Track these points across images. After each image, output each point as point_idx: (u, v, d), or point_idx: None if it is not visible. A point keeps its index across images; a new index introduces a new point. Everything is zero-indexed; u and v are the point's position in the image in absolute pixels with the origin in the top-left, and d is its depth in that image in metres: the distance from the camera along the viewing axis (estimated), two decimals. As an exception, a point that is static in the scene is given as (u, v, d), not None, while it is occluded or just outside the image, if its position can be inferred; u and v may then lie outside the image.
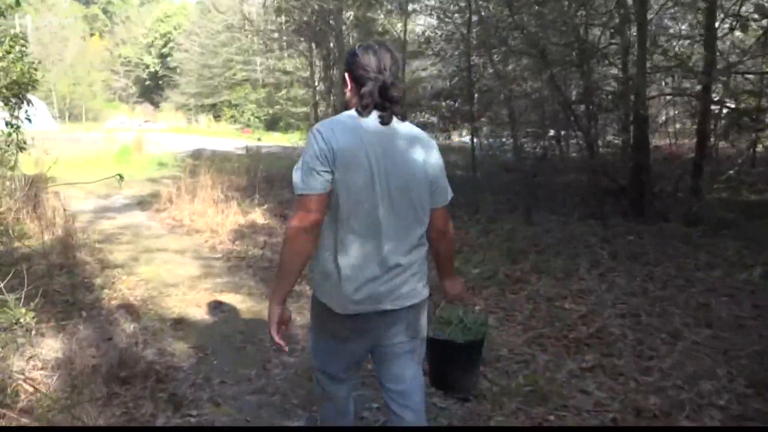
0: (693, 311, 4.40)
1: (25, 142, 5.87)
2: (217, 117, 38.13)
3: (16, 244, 6.18)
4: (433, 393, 3.02)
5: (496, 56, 9.22)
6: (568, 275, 5.31)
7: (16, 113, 5.49)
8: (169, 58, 47.62)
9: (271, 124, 34.09)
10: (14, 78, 5.09)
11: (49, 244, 6.00)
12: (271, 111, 32.44)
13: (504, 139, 9.66)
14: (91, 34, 59.48)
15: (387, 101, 1.90)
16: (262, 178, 10.81)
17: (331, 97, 9.17)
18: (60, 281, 4.92)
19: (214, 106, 38.14)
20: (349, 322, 1.99)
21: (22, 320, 3.57)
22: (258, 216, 7.88)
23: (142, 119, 38.57)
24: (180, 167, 14.05)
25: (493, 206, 8.43)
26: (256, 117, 35.09)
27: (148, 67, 53.90)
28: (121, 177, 4.81)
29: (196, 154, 16.46)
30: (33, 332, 3.76)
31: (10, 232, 6.24)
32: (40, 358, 3.44)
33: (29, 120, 5.94)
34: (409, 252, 1.98)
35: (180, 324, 4.18)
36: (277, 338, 1.97)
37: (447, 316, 2.34)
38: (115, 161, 14.84)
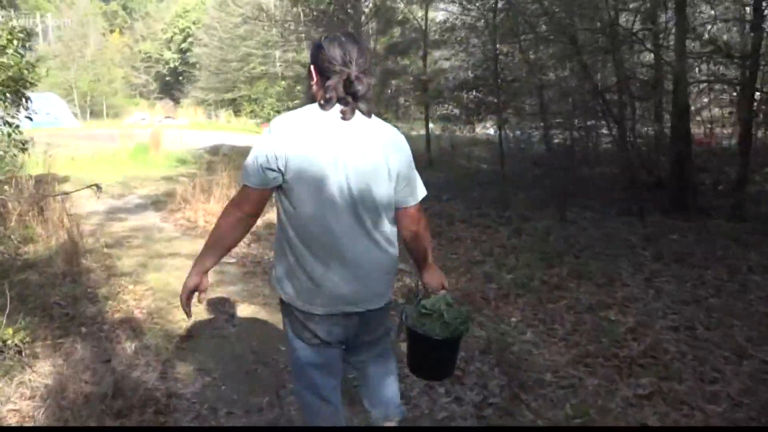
0: (755, 324, 3.94)
1: (25, 143, 5.54)
2: (236, 112, 37.91)
3: (22, 249, 5.91)
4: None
5: (523, 44, 8.72)
6: (610, 280, 4.86)
7: (11, 112, 5.14)
8: (188, 54, 47.51)
9: (291, 118, 33.85)
10: (9, 74, 4.76)
11: (54, 249, 5.71)
12: (290, 105, 32.15)
13: (532, 131, 9.16)
14: (111, 31, 59.77)
15: (350, 96, 1.82)
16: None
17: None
18: (62, 291, 4.60)
19: (233, 101, 37.91)
20: (322, 324, 1.92)
21: (9, 341, 3.23)
22: (275, 216, 7.52)
23: (162, 115, 38.53)
24: (198, 164, 13.78)
25: (524, 203, 7.96)
26: (276, 111, 34.77)
27: (167, 62, 53.94)
28: (99, 187, 4.48)
29: (215, 150, 16.20)
30: (26, 352, 3.44)
31: (13, 237, 5.96)
32: (30, 385, 3.10)
33: (30, 119, 5.62)
34: (375, 253, 1.91)
35: (186, 341, 3.81)
36: (185, 306, 1.95)
37: (430, 306, 2.13)
38: (131, 159, 14.60)
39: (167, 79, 54.96)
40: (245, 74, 34.00)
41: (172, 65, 53.32)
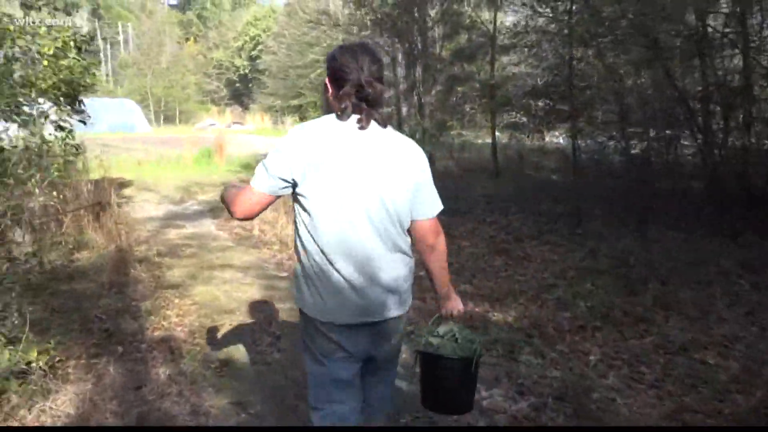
0: None
1: (78, 147, 5.42)
2: (302, 118, 38.22)
3: (76, 255, 5.80)
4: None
5: (600, 48, 8.10)
6: (704, 313, 4.25)
7: (63, 115, 5.01)
8: (257, 61, 48.46)
9: (355, 125, 33.81)
10: (61, 77, 4.63)
11: (106, 256, 5.56)
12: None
13: (607, 141, 8.50)
14: (186, 39, 61.77)
15: (363, 101, 1.82)
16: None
17: (414, 97, 8.35)
18: (105, 303, 4.40)
19: (299, 107, 38.26)
20: (345, 335, 1.89)
21: (34, 364, 2.99)
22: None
23: (230, 121, 39.34)
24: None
25: (598, 219, 7.34)
26: (341, 118, 34.92)
27: (238, 69, 55.23)
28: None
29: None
30: (56, 373, 3.21)
31: (68, 242, 5.86)
32: (50, 413, 2.84)
33: (83, 123, 5.50)
34: (392, 263, 1.89)
35: (225, 368, 3.49)
36: None
37: (443, 332, 2.12)
38: (194, 164, 14.70)
39: (237, 85, 56.29)
40: (312, 81, 34.16)
41: (242, 72, 54.54)
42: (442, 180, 8.31)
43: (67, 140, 5.12)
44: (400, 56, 11.17)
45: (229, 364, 3.54)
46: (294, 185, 1.80)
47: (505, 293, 4.80)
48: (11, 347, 3.14)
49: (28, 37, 4.85)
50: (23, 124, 4.47)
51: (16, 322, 3.65)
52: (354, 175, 1.78)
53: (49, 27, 5.15)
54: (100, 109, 33.63)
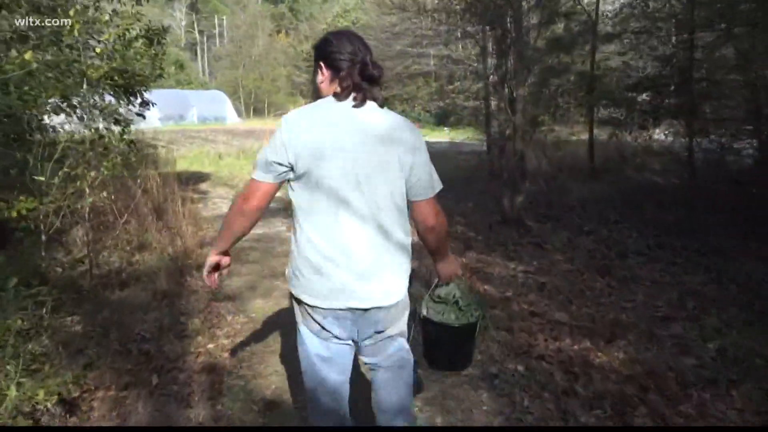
0: None
1: (132, 142, 5.04)
2: (388, 111, 37.90)
3: (136, 257, 5.47)
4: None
5: (727, 33, 6.97)
6: None
7: (118, 107, 4.63)
8: (346, 53, 48.56)
9: (442, 119, 32.91)
10: (114, 66, 4.23)
11: (166, 260, 5.18)
12: (441, 105, 31.33)
13: (733, 141, 7.35)
14: (278, 32, 62.90)
15: (366, 81, 1.87)
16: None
17: (506, 89, 7.54)
18: (152, 318, 3.97)
19: (386, 100, 37.90)
20: (330, 318, 1.93)
21: (41, 405, 2.54)
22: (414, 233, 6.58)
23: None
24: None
25: (720, 233, 6.29)
26: (427, 111, 34.12)
27: (327, 61, 55.59)
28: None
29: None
30: (72, 411, 2.76)
31: (126, 243, 5.54)
32: (55, 470, 2.38)
33: (142, 116, 5.14)
34: (384, 248, 1.90)
35: (271, 411, 2.94)
36: (207, 281, 2.12)
37: (444, 294, 2.18)
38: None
39: (325, 78, 56.68)
40: (399, 74, 33.65)
41: (330, 64, 54.86)
42: (532, 182, 7.46)
43: (125, 135, 4.72)
44: (490, 45, 10.39)
45: (277, 406, 2.98)
46: (291, 169, 1.83)
47: (610, 326, 3.99)
48: (28, 378, 2.73)
49: (88, 24, 4.48)
50: (74, 116, 4.12)
51: (46, 342, 3.28)
52: (347, 158, 1.80)
53: (113, 13, 4.79)
54: (191, 101, 34.67)
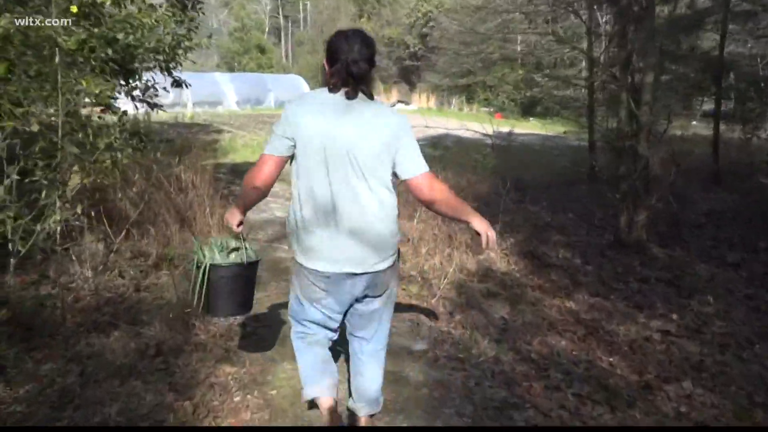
0: None
1: (134, 135, 3.84)
2: (469, 99, 35.88)
3: (150, 279, 4.33)
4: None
5: None
6: None
7: (108, 90, 3.38)
8: (428, 38, 46.71)
9: (528, 109, 30.73)
10: (97, 32, 3.02)
11: (179, 292, 3.98)
12: (528, 93, 29.20)
13: None
14: (360, 17, 61.89)
15: (350, 77, 2.10)
16: (511, 184, 8.03)
17: (628, 77, 5.91)
18: (126, 393, 2.76)
19: (468, 87, 35.94)
20: (322, 282, 2.22)
21: None
22: (497, 256, 5.13)
23: (395, 99, 38.12)
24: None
25: None
26: (511, 100, 31.98)
27: (408, 47, 53.97)
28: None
29: (437, 142, 14.21)
30: None
31: (138, 260, 4.40)
32: None
33: (150, 105, 3.94)
34: (369, 220, 2.15)
35: None
36: (234, 226, 2.30)
37: (217, 245, 2.51)
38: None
39: (405, 63, 55.13)
40: (483, 60, 31.70)
41: (411, 50, 53.23)
42: (650, 190, 5.75)
43: (124, 125, 3.52)
44: (603, 22, 8.70)
45: None
46: (294, 145, 2.14)
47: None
48: None
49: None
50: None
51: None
52: (338, 137, 2.08)
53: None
54: (269, 85, 34.12)
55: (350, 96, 2.10)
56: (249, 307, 2.63)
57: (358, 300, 2.30)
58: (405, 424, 2.72)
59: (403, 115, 2.25)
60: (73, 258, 4.01)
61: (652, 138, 5.85)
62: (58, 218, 3.01)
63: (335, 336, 2.45)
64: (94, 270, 4.12)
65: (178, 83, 4.57)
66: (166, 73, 4.61)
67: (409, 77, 54.01)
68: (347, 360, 2.73)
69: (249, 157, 11.76)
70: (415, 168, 2.16)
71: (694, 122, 13.80)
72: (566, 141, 14.03)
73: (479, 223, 2.24)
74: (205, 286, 2.42)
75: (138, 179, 5.27)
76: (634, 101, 5.74)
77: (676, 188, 8.36)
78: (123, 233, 4.22)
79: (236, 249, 2.48)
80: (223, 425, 2.63)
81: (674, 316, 4.08)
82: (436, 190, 2.19)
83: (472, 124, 18.28)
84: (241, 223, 2.31)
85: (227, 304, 2.52)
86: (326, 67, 2.17)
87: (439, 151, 12.20)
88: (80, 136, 3.09)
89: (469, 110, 32.53)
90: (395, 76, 57.73)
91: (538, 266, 5.04)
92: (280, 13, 64.92)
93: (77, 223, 3.46)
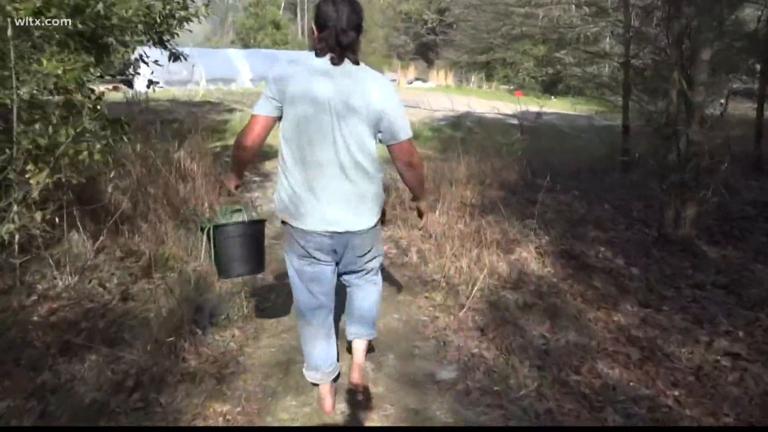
0: None
1: (111, 124, 3.29)
2: (489, 76, 34.87)
3: (140, 285, 3.84)
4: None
5: None
6: None
7: (77, 65, 2.81)
8: (446, 13, 45.53)
9: (549, 87, 29.73)
10: (85, 5, 2.46)
11: (174, 300, 3.47)
12: (550, 71, 28.24)
13: None
14: (377, -9, 60.61)
15: (338, 46, 2.16)
16: (540, 170, 7.43)
17: (680, 53, 5.26)
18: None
19: (487, 64, 34.92)
20: (308, 239, 2.31)
21: None
22: (530, 257, 4.57)
23: (413, 77, 37.22)
24: (435, 140, 11.26)
25: None
26: (532, 77, 30.94)
27: (426, 23, 52.74)
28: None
29: (457, 122, 13.55)
30: None
31: (128, 262, 3.90)
32: None
33: (129, 84, 3.39)
34: (352, 181, 2.25)
35: None
36: (232, 188, 2.49)
37: (220, 213, 2.60)
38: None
39: (424, 39, 53.92)
40: (503, 35, 30.74)
41: (429, 25, 52.03)
42: (701, 181, 5.07)
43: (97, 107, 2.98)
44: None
45: None
46: (281, 104, 2.22)
47: None
48: None
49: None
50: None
51: None
52: (322, 100, 2.15)
53: None
54: (282, 61, 33.52)
55: (336, 62, 2.16)
56: (261, 267, 2.71)
57: (344, 257, 2.42)
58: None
59: (388, 79, 2.33)
60: (51, 263, 3.52)
61: (706, 123, 5.21)
62: (14, 227, 2.50)
63: (332, 293, 2.55)
64: (77, 274, 3.64)
65: (176, 56, 4.03)
66: (160, 46, 4.07)
67: (426, 54, 52.83)
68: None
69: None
70: (401, 134, 2.26)
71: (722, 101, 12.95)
72: (593, 121, 13.29)
73: (425, 206, 2.63)
74: (213, 250, 2.53)
75: (131, 167, 4.76)
76: (686, 80, 5.10)
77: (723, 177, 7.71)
78: (105, 231, 3.71)
79: (238, 210, 2.61)
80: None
81: (741, 334, 3.50)
82: (415, 157, 2.35)
83: (495, 102, 17.53)
84: (238, 186, 2.48)
85: (238, 264, 2.57)
86: (314, 31, 2.21)
87: (460, 133, 11.55)
88: (38, 127, 2.56)
89: (488, 88, 31.61)
90: (412, 52, 56.53)
91: (576, 268, 4.47)
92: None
93: (38, 231, 2.94)
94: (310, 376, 2.60)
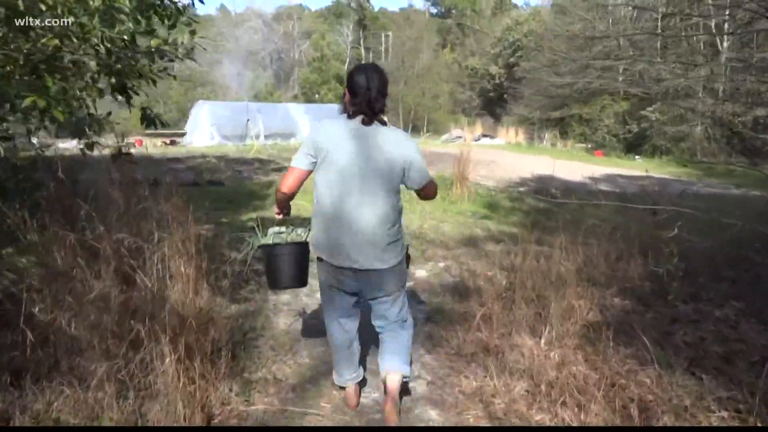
0: None
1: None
2: (563, 134, 32.82)
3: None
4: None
5: None
6: None
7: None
8: (515, 68, 44.11)
9: (632, 146, 27.40)
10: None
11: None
12: (635, 129, 26.06)
13: None
14: (443, 47, 60.33)
15: (370, 110, 2.71)
16: (665, 260, 5.48)
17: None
18: None
19: (561, 120, 32.98)
20: (336, 273, 2.84)
21: None
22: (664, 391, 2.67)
23: (479, 133, 35.66)
24: (517, 214, 9.42)
25: None
26: (613, 135, 28.71)
27: (493, 78, 51.51)
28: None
29: (540, 189, 11.67)
30: None
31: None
32: None
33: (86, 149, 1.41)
34: (375, 225, 2.72)
35: None
36: (277, 216, 3.01)
37: (270, 231, 3.06)
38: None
39: (491, 94, 52.57)
40: (579, 91, 28.81)
41: (497, 81, 50.73)
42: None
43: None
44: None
45: None
46: (316, 160, 2.72)
47: None
48: None
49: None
50: None
51: None
52: (353, 156, 2.66)
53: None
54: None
55: (367, 123, 2.71)
56: (304, 282, 3.15)
57: (365, 294, 2.93)
58: None
59: (411, 138, 2.92)
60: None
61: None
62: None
63: (356, 315, 3.12)
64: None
65: (150, 120, 2.52)
66: (119, 95, 2.58)
67: (493, 109, 51.31)
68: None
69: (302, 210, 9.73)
70: (424, 181, 2.87)
71: None
72: (711, 189, 11.11)
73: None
74: (266, 265, 3.12)
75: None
76: None
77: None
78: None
79: (281, 233, 3.05)
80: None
81: None
82: (433, 188, 3.00)
83: (574, 164, 15.52)
84: (281, 214, 2.99)
85: (285, 278, 3.05)
86: (347, 96, 2.76)
87: (547, 206, 9.63)
88: None
89: (563, 146, 29.57)
90: (479, 108, 55.26)
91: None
92: (362, 43, 64.01)
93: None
94: (337, 380, 3.18)
